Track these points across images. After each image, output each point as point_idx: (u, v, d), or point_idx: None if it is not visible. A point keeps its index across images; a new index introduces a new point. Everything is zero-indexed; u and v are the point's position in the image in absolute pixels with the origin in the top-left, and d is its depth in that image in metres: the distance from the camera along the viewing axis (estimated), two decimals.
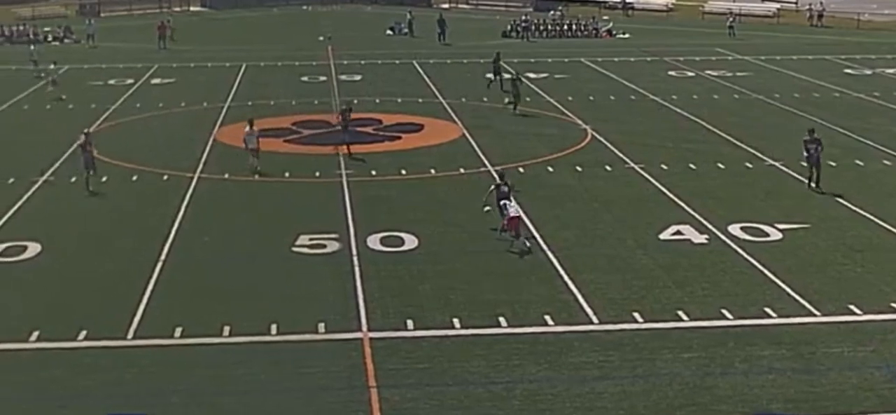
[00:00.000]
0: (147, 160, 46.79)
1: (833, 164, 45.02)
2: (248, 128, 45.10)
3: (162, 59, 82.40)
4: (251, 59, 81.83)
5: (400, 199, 40.62)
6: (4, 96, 64.53)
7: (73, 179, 43.70)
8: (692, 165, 46.29)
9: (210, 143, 50.94)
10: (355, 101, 58.09)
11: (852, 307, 29.57)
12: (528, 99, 63.15)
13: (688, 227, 37.12)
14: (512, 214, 34.95)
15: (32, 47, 76.48)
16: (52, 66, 66.77)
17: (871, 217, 38.06)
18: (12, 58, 77.53)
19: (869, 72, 75.35)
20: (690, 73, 74.86)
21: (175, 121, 57.76)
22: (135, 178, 44.10)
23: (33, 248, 34.95)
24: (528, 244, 34.75)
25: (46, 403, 24.01)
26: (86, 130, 43.10)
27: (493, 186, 36.80)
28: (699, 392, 24.46)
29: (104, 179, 43.92)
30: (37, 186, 42.78)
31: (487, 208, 36.39)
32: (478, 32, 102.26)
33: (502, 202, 35.62)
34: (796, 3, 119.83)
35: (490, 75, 67.35)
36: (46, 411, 23.62)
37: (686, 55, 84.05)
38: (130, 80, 71.07)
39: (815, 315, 29.12)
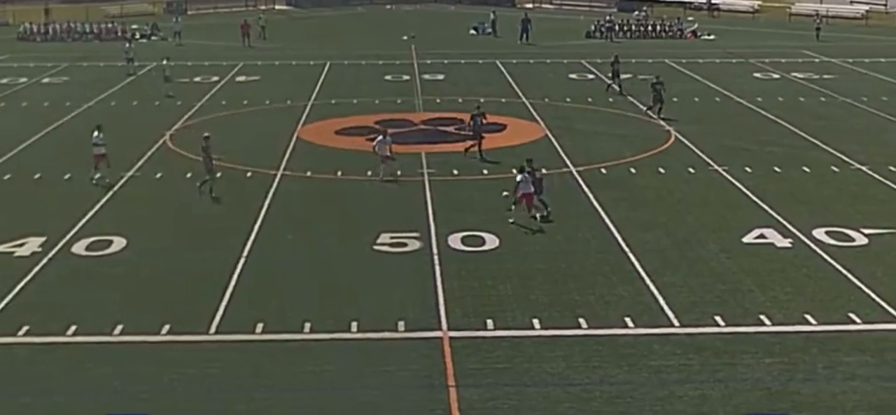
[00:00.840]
0: (230, 157, 47.17)
1: None
2: (380, 137, 44.60)
3: (247, 56, 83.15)
4: (335, 57, 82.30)
5: (481, 199, 40.62)
6: (94, 92, 65.53)
7: (159, 175, 44.25)
8: (777, 168, 45.84)
9: (293, 140, 51.29)
10: (482, 100, 57.99)
11: None
12: (610, 99, 62.98)
13: (771, 230, 36.78)
14: (525, 191, 36.85)
15: (128, 44, 77.33)
16: (165, 62, 66.97)
17: None
18: (102, 54, 78.50)
19: None
20: (776, 75, 74.14)
21: (259, 118, 58.23)
22: (219, 174, 44.43)
23: (119, 242, 35.42)
24: (538, 217, 36.77)
25: (130, 396, 24.30)
26: (206, 135, 43.19)
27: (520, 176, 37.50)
28: (780, 398, 24.23)
29: (188, 175, 44.43)
30: (124, 181, 43.35)
31: (506, 194, 37.99)
32: (561, 32, 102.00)
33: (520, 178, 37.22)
34: (886, 4, 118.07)
35: (609, 79, 66.22)
36: (130, 405, 23.91)
37: (772, 57, 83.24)
38: (216, 78, 71.80)
39: None
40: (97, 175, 42.66)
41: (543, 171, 36.99)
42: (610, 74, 66.15)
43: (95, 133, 43.15)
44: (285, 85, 69.11)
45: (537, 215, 36.67)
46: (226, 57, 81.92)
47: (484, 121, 48.48)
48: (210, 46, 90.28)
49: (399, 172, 43.46)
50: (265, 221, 38.04)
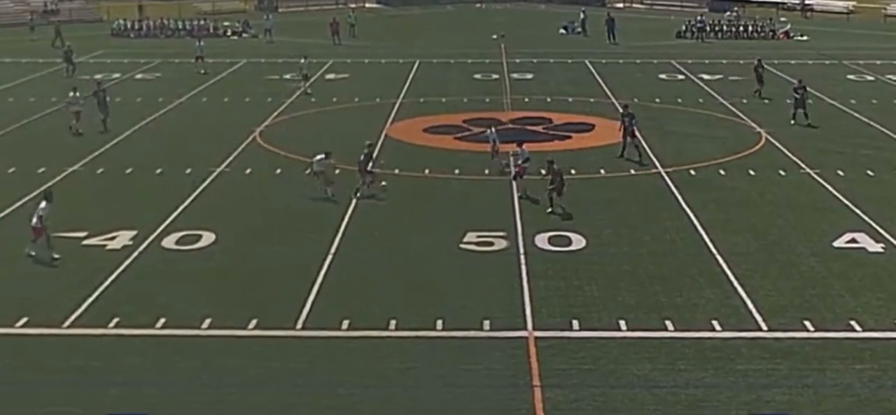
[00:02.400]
0: (319, 153, 47.51)
1: None
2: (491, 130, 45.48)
3: (337, 54, 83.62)
4: (424, 55, 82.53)
5: (569, 198, 40.52)
6: (185, 89, 66.37)
7: (249, 171, 44.72)
8: (870, 172, 45.24)
9: (382, 138, 51.51)
10: (635, 100, 58.01)
11: None
12: (700, 100, 62.57)
13: (863, 235, 36.32)
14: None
15: (199, 43, 77.95)
16: (303, 60, 67.50)
17: None
18: (194, 51, 79.24)
19: None
20: (870, 78, 73.13)
21: (348, 116, 58.56)
22: (308, 171, 44.79)
23: (208, 237, 35.85)
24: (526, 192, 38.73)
25: (216, 389, 24.60)
26: (368, 143, 43.79)
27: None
28: (870, 406, 23.93)
29: (278, 171, 44.84)
30: (213, 176, 43.85)
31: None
32: (651, 33, 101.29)
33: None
34: None
35: (758, 86, 64.46)
36: (217, 398, 24.19)
37: (866, 59, 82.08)
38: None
39: None
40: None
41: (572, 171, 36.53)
42: (755, 79, 64.79)
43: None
44: (374, 83, 69.47)
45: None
46: (316, 55, 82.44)
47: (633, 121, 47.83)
48: (301, 44, 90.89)
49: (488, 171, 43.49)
50: (353, 218, 38.27)
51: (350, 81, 70.41)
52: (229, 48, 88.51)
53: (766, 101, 58.25)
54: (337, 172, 41.93)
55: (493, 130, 44.98)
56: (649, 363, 26.05)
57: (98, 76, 65.72)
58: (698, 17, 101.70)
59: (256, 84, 68.56)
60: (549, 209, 38.20)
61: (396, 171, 44.88)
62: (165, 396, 24.32)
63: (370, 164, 42.14)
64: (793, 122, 56.13)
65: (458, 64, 78.80)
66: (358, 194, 40.48)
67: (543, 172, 39.66)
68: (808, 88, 57.75)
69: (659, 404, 23.91)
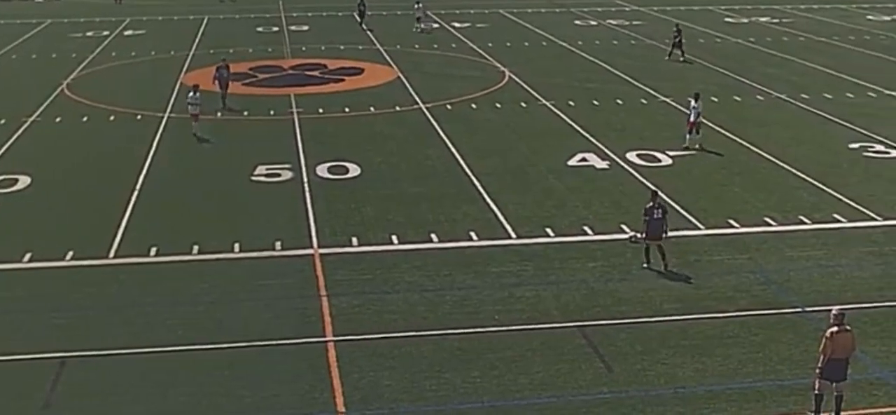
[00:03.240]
0: (122, 102, 46.28)
1: (715, 100, 45.50)
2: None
3: (134, 12, 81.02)
4: (213, 12, 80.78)
5: (344, 133, 40.52)
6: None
7: (58, 119, 43.20)
8: (595, 102, 46.53)
9: (177, 86, 50.37)
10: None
11: (732, 222, 30.03)
12: (453, 45, 63.13)
13: (592, 155, 37.38)
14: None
15: None
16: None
17: (748, 145, 38.54)
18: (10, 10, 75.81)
19: (745, 20, 75.87)
20: (593, 23, 74.97)
21: (146, 67, 57.01)
22: (112, 118, 43.61)
23: (24, 180, 34.51)
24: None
25: (41, 312, 23.86)
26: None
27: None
28: (602, 295, 24.80)
29: (85, 118, 43.45)
30: (26, 125, 42.19)
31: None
32: None
33: None
34: None
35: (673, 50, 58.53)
36: (41, 319, 23.46)
37: (590, 6, 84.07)
38: (106, 32, 69.95)
39: (700, 229, 29.55)
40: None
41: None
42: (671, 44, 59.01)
43: (191, 93, 41.10)
44: (168, 38, 67.62)
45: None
46: (110, 13, 79.74)
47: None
48: (91, 2, 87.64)
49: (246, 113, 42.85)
50: (155, 157, 37.40)
51: (146, 37, 68.35)
52: (34, 9, 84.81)
53: (681, 60, 57.42)
54: (139, 118, 40.76)
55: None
56: (419, 271, 26.36)
57: None
58: None
59: (62, 41, 65.94)
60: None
61: (198, 115, 43.93)
62: None
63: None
64: (667, 58, 57.71)
65: (243, 19, 77.40)
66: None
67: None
68: (682, 32, 58.67)
69: (428, 305, 24.24)
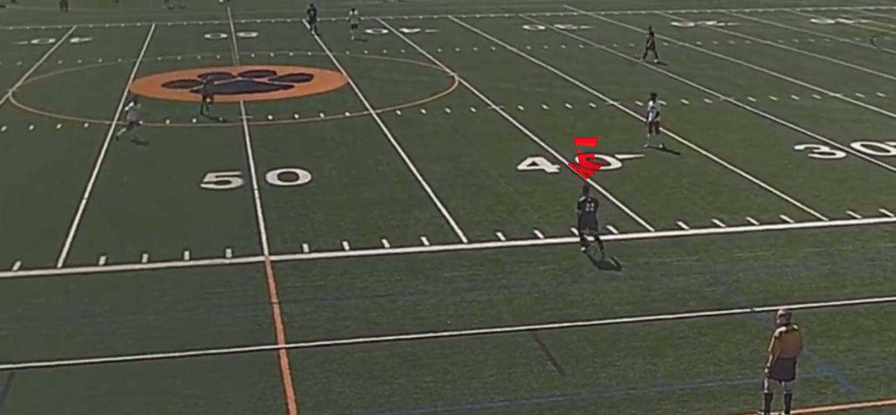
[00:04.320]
0: (69, 110, 45.85)
1: (663, 103, 45.79)
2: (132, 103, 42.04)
3: (79, 20, 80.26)
4: (160, 19, 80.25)
5: (294, 139, 40.39)
6: None
7: (4, 129, 42.71)
8: (544, 106, 46.72)
9: (125, 94, 49.93)
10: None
11: (680, 223, 30.27)
12: (402, 51, 63.14)
13: (542, 158, 37.54)
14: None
15: None
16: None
17: (696, 147, 38.87)
18: None
19: (692, 24, 76.54)
20: (542, 27, 75.30)
21: (93, 75, 56.50)
22: (59, 126, 43.18)
23: None
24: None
25: None
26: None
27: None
28: (554, 298, 24.89)
29: (31, 127, 43.00)
30: None
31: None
32: None
33: None
34: None
35: (648, 52, 59.23)
36: None
37: (538, 11, 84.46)
38: (52, 40, 69.29)
39: (649, 231, 29.76)
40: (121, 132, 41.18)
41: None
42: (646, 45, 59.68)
43: (131, 104, 41.46)
44: (115, 45, 67.11)
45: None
46: (55, 21, 78.94)
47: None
48: (36, 12, 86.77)
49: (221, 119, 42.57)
50: (103, 166, 37.09)
51: (93, 44, 67.79)
52: None
53: (656, 62, 57.84)
54: (86, 126, 40.38)
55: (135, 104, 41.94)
56: (371, 276, 26.33)
57: None
58: None
59: (7, 49, 65.20)
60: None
61: (140, 122, 43.58)
62: None
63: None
64: (643, 59, 58.26)
65: (191, 26, 76.96)
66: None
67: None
68: (655, 35, 59.58)
69: (380, 311, 24.21)
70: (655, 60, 58.09)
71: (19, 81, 53.60)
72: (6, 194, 33.87)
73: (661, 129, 39.25)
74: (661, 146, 38.53)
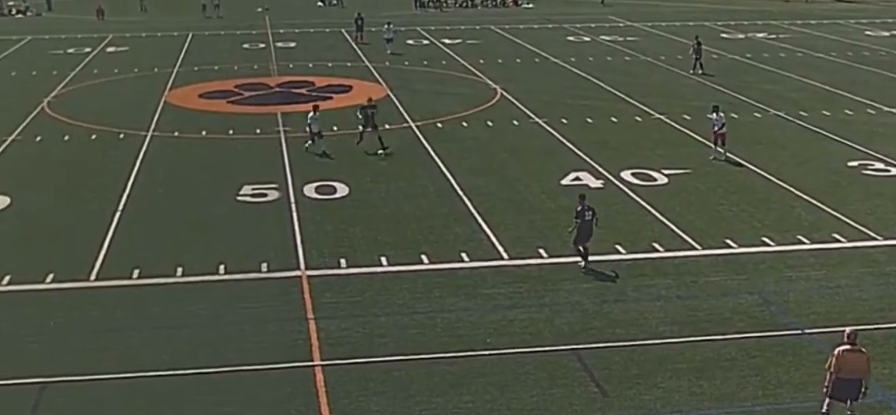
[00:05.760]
0: (104, 120, 46.21)
1: (712, 117, 45.51)
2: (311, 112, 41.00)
3: (116, 29, 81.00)
4: (196, 29, 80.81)
5: (332, 152, 40.46)
6: None
7: (39, 139, 43.12)
8: (589, 119, 46.59)
9: (161, 104, 50.33)
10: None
11: (729, 242, 30.04)
12: (444, 62, 63.22)
13: (585, 173, 37.41)
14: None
15: None
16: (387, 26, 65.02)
17: (745, 163, 38.60)
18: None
19: (742, 36, 76.14)
20: (586, 39, 75.18)
21: (129, 85, 56.97)
22: (94, 136, 43.53)
23: (3, 201, 34.40)
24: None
25: (19, 336, 23.74)
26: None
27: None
28: (597, 317, 24.76)
29: (66, 137, 43.38)
30: (4, 145, 42.10)
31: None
32: (394, 4, 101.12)
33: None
34: None
35: (695, 60, 59.23)
36: (20, 346, 23.34)
37: (583, 22, 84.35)
38: (88, 49, 69.93)
39: (696, 249, 29.55)
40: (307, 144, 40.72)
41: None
42: (693, 54, 59.68)
43: (311, 114, 40.68)
44: (152, 54, 67.64)
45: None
46: (92, 30, 79.60)
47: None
48: (72, 20, 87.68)
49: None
50: (138, 177, 37.33)
51: (129, 54, 68.39)
52: (14, 25, 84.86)
53: (700, 73, 57.99)
54: (122, 136, 40.68)
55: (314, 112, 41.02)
56: (409, 293, 26.31)
57: None
58: None
59: (42, 59, 65.91)
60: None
61: (176, 133, 43.94)
62: None
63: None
64: (691, 71, 58.13)
65: (228, 35, 77.46)
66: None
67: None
68: (701, 45, 59.35)
69: (418, 328, 24.19)
70: (700, 72, 57.90)
71: (54, 91, 54.11)
72: (40, 205, 34.15)
73: (725, 141, 39.11)
74: (724, 158, 38.49)
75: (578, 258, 28.04)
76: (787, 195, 34.74)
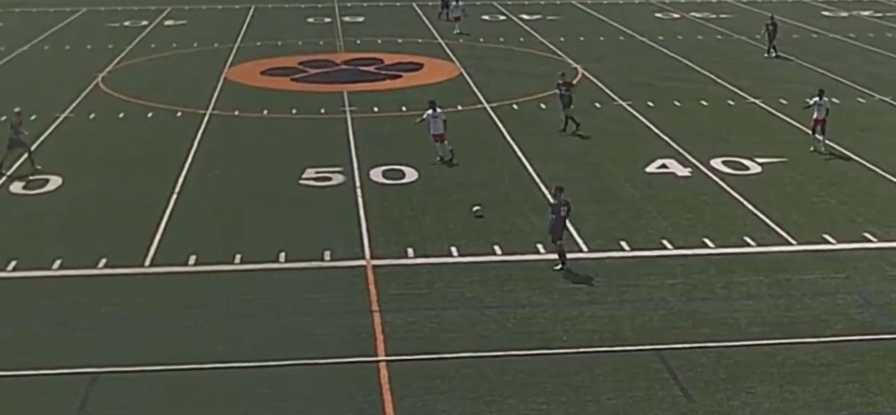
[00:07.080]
0: (161, 97, 46.75)
1: (810, 100, 44.98)
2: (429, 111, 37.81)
3: (174, 1, 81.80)
4: (260, 1, 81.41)
5: (401, 134, 40.60)
6: (32, 34, 64.20)
7: (93, 116, 43.74)
8: (677, 102, 46.29)
9: (221, 81, 50.84)
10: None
11: (826, 237, 29.70)
12: (521, 39, 63.12)
13: (672, 160, 37.17)
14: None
15: None
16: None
17: (846, 151, 38.12)
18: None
19: (845, 14, 75.13)
20: (676, 15, 74.62)
21: (187, 61, 57.61)
22: (150, 115, 44.07)
23: (55, 181, 34.98)
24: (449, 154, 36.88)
25: (70, 324, 24.13)
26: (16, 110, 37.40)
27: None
28: (682, 316, 24.62)
29: (121, 115, 43.96)
30: (58, 121, 42.76)
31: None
32: None
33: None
34: None
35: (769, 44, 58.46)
36: (70, 334, 23.74)
37: None
38: (145, 22, 70.75)
39: (791, 244, 29.26)
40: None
41: None
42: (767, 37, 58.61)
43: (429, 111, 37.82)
44: (212, 28, 68.23)
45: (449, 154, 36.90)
46: (154, 2, 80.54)
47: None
48: None
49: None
50: (195, 158, 37.74)
51: (188, 27, 69.05)
52: None
53: (774, 56, 57.10)
54: (179, 115, 41.13)
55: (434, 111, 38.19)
56: (480, 286, 26.34)
57: None
58: None
59: (97, 31, 66.83)
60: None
61: (236, 112, 44.37)
62: (18, 335, 23.74)
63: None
64: (766, 55, 57.51)
65: (292, 8, 77.92)
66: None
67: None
68: (777, 26, 58.52)
69: (490, 323, 24.22)
70: (774, 56, 57.00)
71: (110, 66, 54.85)
72: (93, 186, 34.66)
73: (824, 129, 38.31)
74: (823, 147, 37.87)
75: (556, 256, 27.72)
76: (891, 187, 34.28)
